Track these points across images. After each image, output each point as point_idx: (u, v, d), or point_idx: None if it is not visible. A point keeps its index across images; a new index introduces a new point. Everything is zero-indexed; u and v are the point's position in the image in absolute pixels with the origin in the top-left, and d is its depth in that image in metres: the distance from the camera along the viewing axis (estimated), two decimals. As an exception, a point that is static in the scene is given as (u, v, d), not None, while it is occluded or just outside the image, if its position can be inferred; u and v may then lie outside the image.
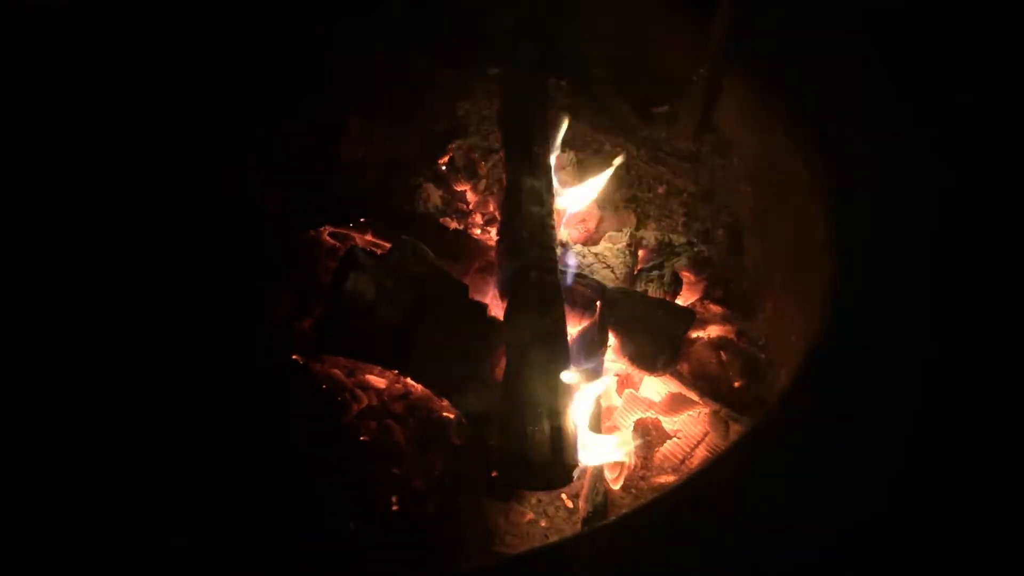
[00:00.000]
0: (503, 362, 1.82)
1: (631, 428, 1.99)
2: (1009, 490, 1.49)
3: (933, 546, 1.42)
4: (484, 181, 2.49)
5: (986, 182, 1.96)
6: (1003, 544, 1.42)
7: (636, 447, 1.93)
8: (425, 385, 1.90)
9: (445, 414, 1.91)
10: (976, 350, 1.66)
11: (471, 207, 2.45)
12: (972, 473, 1.50)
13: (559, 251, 2.06)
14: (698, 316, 2.14)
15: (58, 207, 1.96)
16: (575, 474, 1.69)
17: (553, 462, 1.63)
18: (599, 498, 1.78)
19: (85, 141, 2.07)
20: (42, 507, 1.56)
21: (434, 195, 2.38)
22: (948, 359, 1.64)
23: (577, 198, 2.36)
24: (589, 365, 1.85)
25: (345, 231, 2.21)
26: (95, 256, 1.93)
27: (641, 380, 2.07)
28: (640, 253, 2.32)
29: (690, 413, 2.01)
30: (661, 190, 2.61)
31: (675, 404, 2.02)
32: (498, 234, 2.14)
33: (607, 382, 1.92)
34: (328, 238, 2.21)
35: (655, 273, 2.17)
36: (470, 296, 1.95)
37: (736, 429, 1.96)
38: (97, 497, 1.60)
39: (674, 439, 1.98)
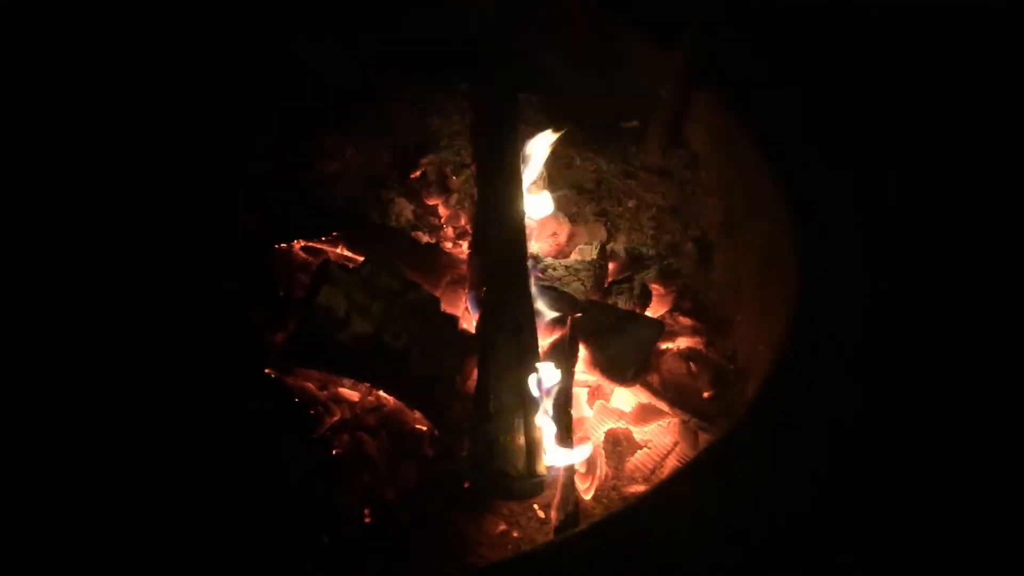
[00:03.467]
0: (475, 374, 1.83)
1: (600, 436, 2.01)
2: (972, 497, 1.52)
3: (898, 552, 1.44)
4: (456, 195, 2.51)
5: (953, 198, 2.00)
6: (964, 549, 1.45)
7: (603, 451, 1.96)
8: (397, 397, 1.91)
9: (417, 426, 1.91)
10: (941, 360, 1.70)
11: (443, 221, 2.46)
12: (938, 481, 1.53)
13: (530, 264, 2.08)
14: (667, 328, 2.16)
15: (23, 215, 1.95)
16: (546, 484, 1.71)
17: (524, 472, 1.65)
18: (570, 508, 1.79)
19: (55, 150, 2.05)
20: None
21: (406, 209, 2.40)
22: (912, 369, 1.67)
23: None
24: (559, 379, 1.88)
25: (318, 245, 2.21)
26: (63, 269, 1.92)
27: (612, 391, 2.08)
28: (610, 266, 2.34)
29: (660, 423, 2.03)
30: (631, 204, 2.64)
31: (645, 414, 2.03)
32: (469, 247, 2.16)
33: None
34: (301, 252, 2.21)
35: (625, 286, 2.19)
36: (442, 309, 1.96)
37: (705, 439, 1.98)
38: (65, 514, 1.59)
39: (644, 449, 2.00)
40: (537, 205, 2.39)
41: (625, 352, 1.96)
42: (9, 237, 1.90)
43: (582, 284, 2.17)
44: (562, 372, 1.89)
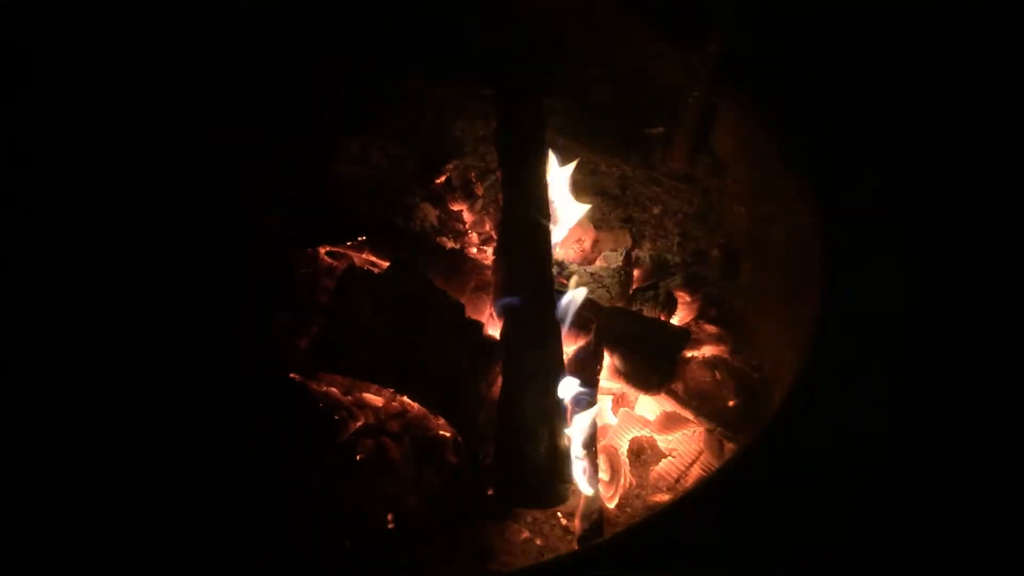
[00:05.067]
0: (499, 381, 1.83)
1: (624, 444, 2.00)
2: (997, 508, 1.50)
3: (925, 563, 1.43)
4: (481, 201, 2.51)
5: (979, 204, 1.98)
6: (991, 560, 1.44)
7: (627, 460, 1.95)
8: (421, 403, 1.91)
9: (441, 432, 1.91)
10: (966, 369, 1.68)
11: (468, 226, 2.46)
12: (963, 490, 1.51)
13: (555, 270, 2.08)
14: (693, 335, 2.15)
15: (47, 220, 1.97)
16: (570, 492, 1.70)
17: (549, 480, 1.64)
18: (594, 516, 1.79)
19: (76, 152, 2.07)
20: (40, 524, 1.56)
21: (431, 214, 2.40)
22: (939, 378, 1.65)
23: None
24: (584, 385, 1.87)
25: (343, 250, 2.22)
26: (88, 272, 1.94)
27: (636, 399, 2.08)
28: (635, 273, 2.34)
29: (685, 432, 2.02)
30: (656, 210, 2.63)
31: (670, 423, 2.02)
32: (494, 253, 2.16)
33: (599, 406, 1.93)
34: (326, 257, 2.22)
35: (650, 293, 2.18)
36: (467, 315, 1.96)
37: (731, 448, 1.97)
38: (90, 516, 1.61)
39: (669, 458, 1.99)
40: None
41: (650, 360, 1.95)
42: (27, 240, 1.92)
43: (607, 291, 2.17)
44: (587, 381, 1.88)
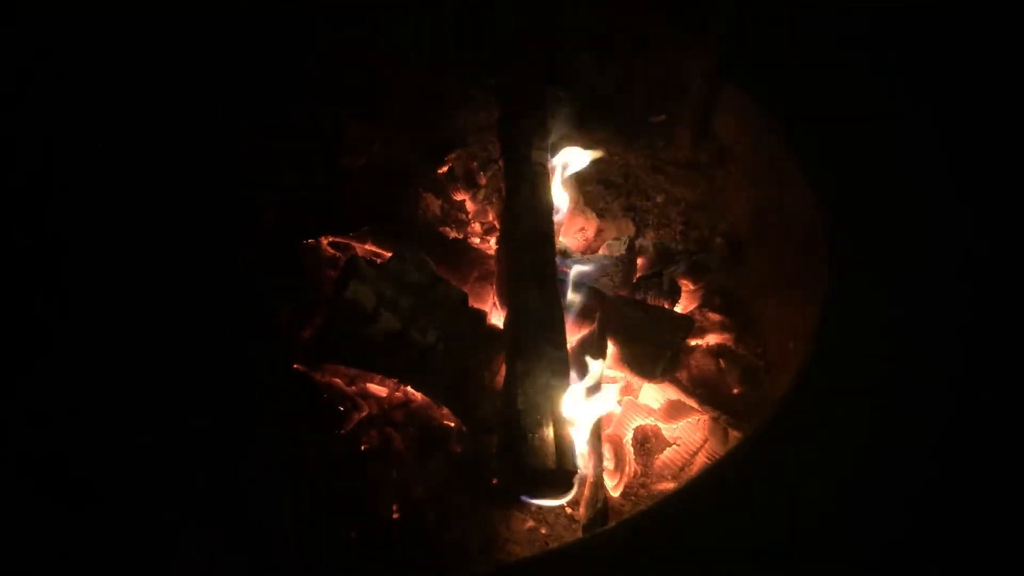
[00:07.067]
0: (503, 370, 1.83)
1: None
2: (1008, 494, 1.49)
3: (931, 553, 1.42)
4: (483, 191, 2.50)
5: (986, 190, 1.97)
6: (1001, 547, 1.43)
7: (631, 448, 1.95)
8: (425, 393, 1.91)
9: (445, 422, 1.91)
10: (974, 355, 1.67)
11: (470, 216, 2.46)
12: (975, 480, 1.50)
13: (558, 260, 2.07)
14: (697, 324, 2.15)
15: (48, 217, 1.98)
16: (575, 481, 1.70)
17: (554, 470, 1.64)
18: (599, 505, 1.79)
19: (78, 146, 2.07)
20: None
21: (434, 204, 2.39)
22: (945, 365, 1.65)
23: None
24: (589, 375, 1.87)
25: (345, 240, 2.22)
26: (88, 266, 1.94)
27: (640, 387, 2.07)
28: (639, 261, 2.33)
29: (689, 420, 2.02)
30: (660, 198, 2.62)
31: (674, 411, 2.02)
32: (497, 243, 2.16)
33: (604, 395, 1.92)
34: (328, 247, 2.22)
35: (654, 281, 2.18)
36: (470, 304, 1.96)
37: (735, 436, 1.96)
38: (101, 508, 1.61)
39: (673, 446, 1.99)
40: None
41: (654, 348, 1.95)
42: (28, 238, 1.92)
43: (610, 279, 2.16)
44: (593, 372, 1.88)
